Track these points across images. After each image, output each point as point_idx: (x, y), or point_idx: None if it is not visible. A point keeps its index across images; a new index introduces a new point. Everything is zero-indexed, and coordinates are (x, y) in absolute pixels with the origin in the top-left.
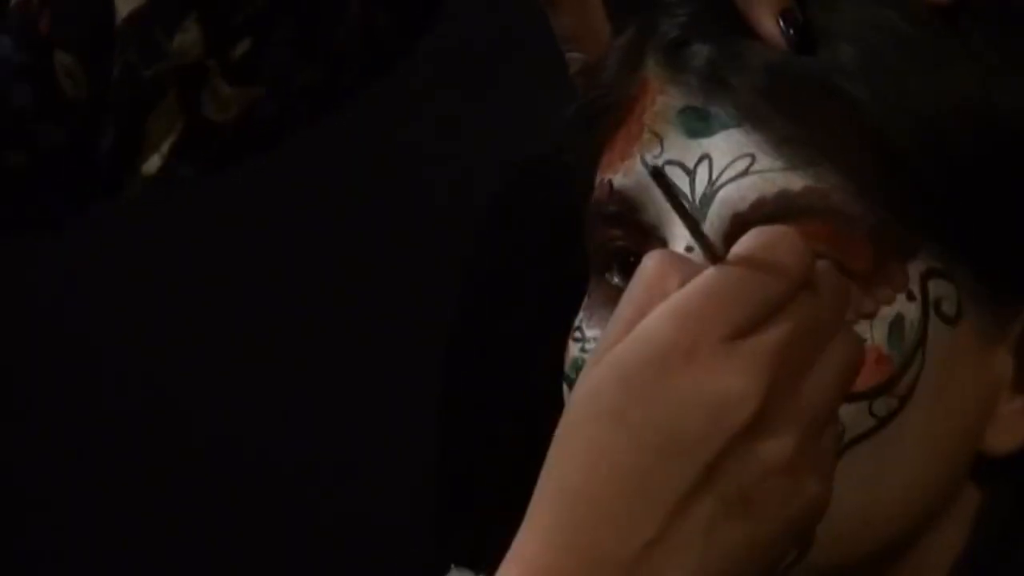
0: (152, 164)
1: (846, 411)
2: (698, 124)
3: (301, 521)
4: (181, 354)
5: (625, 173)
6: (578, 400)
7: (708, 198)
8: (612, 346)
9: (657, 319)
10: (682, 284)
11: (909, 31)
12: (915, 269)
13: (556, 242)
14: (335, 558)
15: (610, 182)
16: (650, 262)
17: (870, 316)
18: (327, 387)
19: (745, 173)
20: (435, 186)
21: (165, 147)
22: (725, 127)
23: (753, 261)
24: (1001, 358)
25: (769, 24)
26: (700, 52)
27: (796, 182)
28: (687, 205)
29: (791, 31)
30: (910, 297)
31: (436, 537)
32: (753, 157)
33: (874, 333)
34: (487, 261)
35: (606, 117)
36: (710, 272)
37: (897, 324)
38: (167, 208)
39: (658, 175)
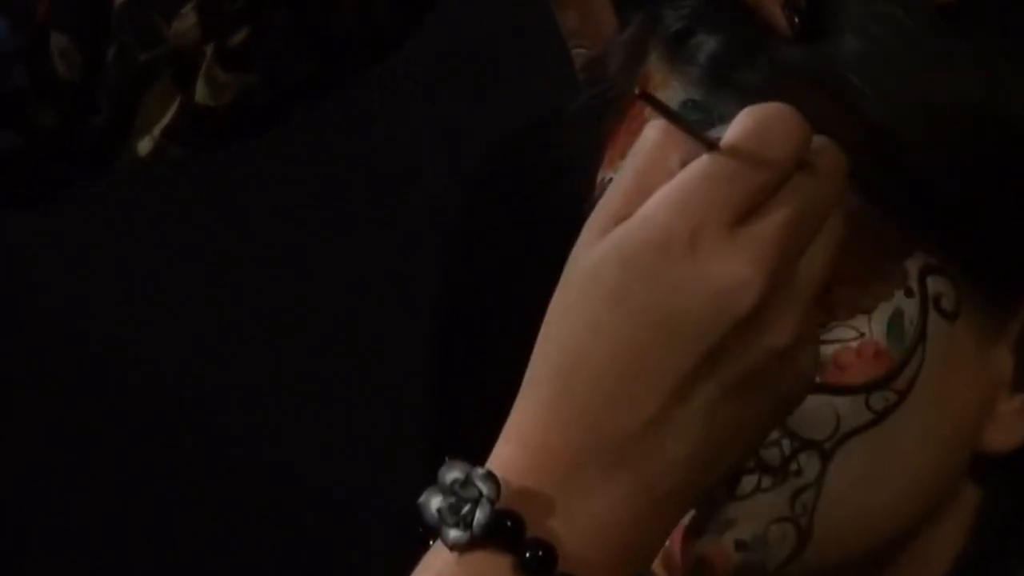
0: (144, 146)
1: (841, 403)
2: (698, 116)
3: (296, 515)
4: (176, 350)
5: None
6: (576, 280)
7: None
8: (610, 217)
9: (658, 205)
10: (683, 161)
11: (915, 27)
12: (914, 265)
13: (556, 240)
14: (331, 552)
15: (610, 180)
16: (652, 132)
17: (868, 312)
18: (322, 383)
19: None
20: (430, 186)
21: (157, 130)
22: (725, 120)
23: (749, 145)
24: (1000, 357)
25: (774, 12)
26: (703, 44)
27: None
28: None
29: (796, 19)
30: (909, 293)
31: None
32: None
33: (872, 328)
34: (479, 259)
35: (609, 113)
36: (706, 159)
37: (896, 319)
38: (166, 204)
39: (645, 95)
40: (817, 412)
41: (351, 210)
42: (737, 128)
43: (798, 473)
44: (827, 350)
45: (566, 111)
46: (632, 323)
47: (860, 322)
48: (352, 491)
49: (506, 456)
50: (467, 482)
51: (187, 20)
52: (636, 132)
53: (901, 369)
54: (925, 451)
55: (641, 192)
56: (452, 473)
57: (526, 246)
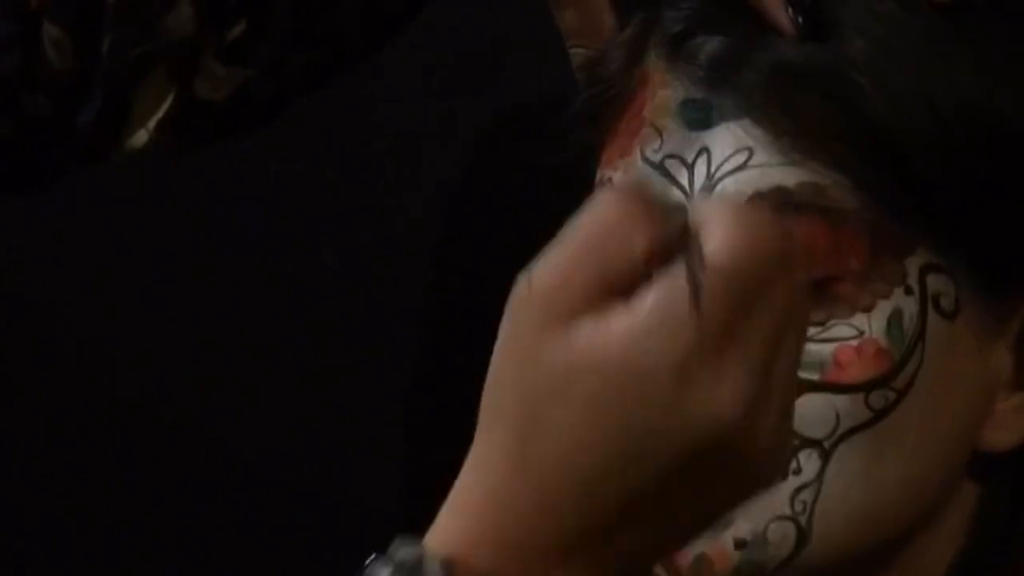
0: (138, 138)
1: (841, 402)
2: (698, 116)
3: (295, 516)
4: (173, 348)
5: (625, 170)
6: (541, 374)
7: (706, 192)
8: (570, 304)
9: (646, 327)
10: (651, 241)
11: (918, 27)
12: (913, 264)
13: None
14: (329, 554)
15: (610, 179)
16: (615, 199)
17: (868, 310)
18: (320, 383)
19: (743, 167)
20: (429, 186)
21: (152, 123)
22: (725, 120)
23: (743, 265)
24: (999, 355)
25: (777, 11)
26: (704, 44)
27: (793, 177)
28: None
29: (799, 18)
30: (908, 291)
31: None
32: (751, 151)
33: (872, 326)
34: (478, 259)
35: (607, 112)
36: (699, 276)
37: (896, 318)
38: (163, 203)
39: None
40: (817, 410)
41: (350, 210)
42: (725, 241)
43: (798, 471)
44: (827, 348)
45: (565, 111)
46: (607, 435)
47: (860, 320)
48: (350, 492)
49: (455, 530)
50: (416, 568)
51: (182, 13)
52: (635, 131)
53: (900, 368)
54: (924, 450)
55: (603, 280)
56: (403, 552)
57: (525, 246)
